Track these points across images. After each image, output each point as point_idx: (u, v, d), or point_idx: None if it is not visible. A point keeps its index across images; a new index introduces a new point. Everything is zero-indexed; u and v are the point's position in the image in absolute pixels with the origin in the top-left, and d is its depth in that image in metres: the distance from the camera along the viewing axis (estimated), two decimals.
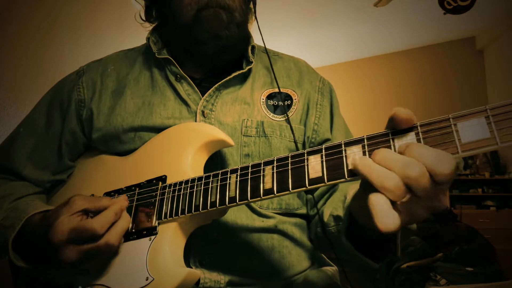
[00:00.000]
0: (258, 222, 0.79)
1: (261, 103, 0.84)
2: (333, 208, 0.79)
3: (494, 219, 4.12)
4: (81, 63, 0.96)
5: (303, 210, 0.87)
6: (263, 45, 0.95)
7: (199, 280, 0.73)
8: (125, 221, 0.65)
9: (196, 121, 0.80)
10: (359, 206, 0.53)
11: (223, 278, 0.75)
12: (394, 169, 0.43)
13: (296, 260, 0.82)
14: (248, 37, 0.89)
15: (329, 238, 0.80)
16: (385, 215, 0.43)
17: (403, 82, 5.38)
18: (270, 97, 0.85)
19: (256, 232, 0.79)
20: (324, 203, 0.85)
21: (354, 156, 0.49)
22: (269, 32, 4.29)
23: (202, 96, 0.81)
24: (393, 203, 0.44)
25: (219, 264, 0.76)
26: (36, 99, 0.94)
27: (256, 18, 0.90)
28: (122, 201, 0.66)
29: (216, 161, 0.79)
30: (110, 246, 0.62)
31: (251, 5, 0.88)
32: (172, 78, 0.84)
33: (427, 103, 5.09)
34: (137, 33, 0.92)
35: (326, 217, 0.79)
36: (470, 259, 2.46)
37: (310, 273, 0.85)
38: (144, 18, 0.93)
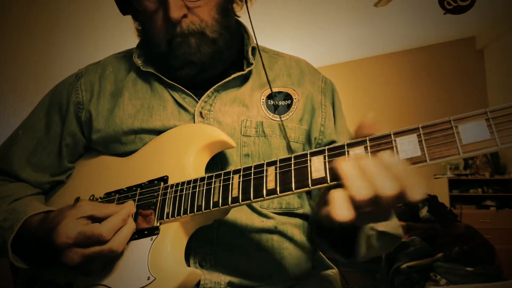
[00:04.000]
0: (258, 222, 0.79)
1: (261, 103, 0.84)
2: None
3: (494, 219, 4.11)
4: (80, 65, 0.96)
5: (303, 210, 0.87)
6: (262, 45, 0.94)
7: (199, 281, 0.73)
8: (131, 228, 0.65)
9: (194, 122, 0.80)
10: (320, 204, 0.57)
11: (223, 279, 0.75)
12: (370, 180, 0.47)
13: (296, 261, 0.82)
14: (235, 43, 0.87)
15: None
16: (341, 207, 0.48)
17: (403, 82, 5.37)
18: (270, 97, 0.85)
19: (256, 233, 0.79)
20: None
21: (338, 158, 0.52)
22: (270, 32, 4.29)
23: (199, 98, 0.81)
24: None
25: (219, 265, 0.76)
26: (35, 100, 0.94)
27: (249, 16, 0.88)
28: (129, 206, 0.67)
29: (216, 161, 0.79)
30: (114, 252, 0.62)
31: (232, 5, 0.86)
32: (165, 85, 0.84)
33: (427, 103, 5.09)
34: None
35: None
36: (470, 259, 2.46)
37: (311, 278, 0.85)
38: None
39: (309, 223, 0.86)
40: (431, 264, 2.50)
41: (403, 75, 5.39)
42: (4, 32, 3.90)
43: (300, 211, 0.86)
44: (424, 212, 3.25)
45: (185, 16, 0.75)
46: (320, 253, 0.94)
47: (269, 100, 0.84)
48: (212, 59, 0.80)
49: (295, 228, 0.83)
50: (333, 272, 0.91)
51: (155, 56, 0.84)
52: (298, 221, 0.85)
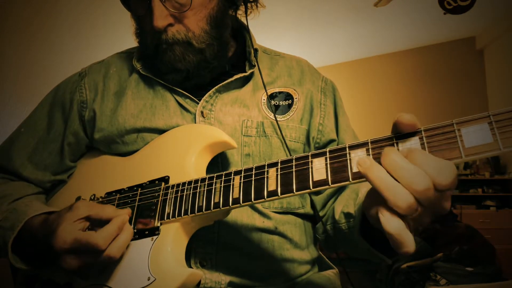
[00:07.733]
0: (259, 222, 0.79)
1: (262, 103, 0.84)
2: (344, 205, 0.79)
3: (494, 219, 4.12)
4: (82, 64, 0.96)
5: (303, 210, 0.87)
6: (263, 45, 0.95)
7: (199, 280, 0.73)
8: (128, 234, 0.65)
9: (196, 122, 0.80)
10: (370, 204, 0.50)
11: (224, 279, 0.75)
12: (402, 180, 0.43)
13: (297, 261, 0.82)
14: (226, 51, 0.86)
15: (338, 235, 0.80)
16: (407, 241, 0.43)
17: (403, 82, 5.37)
18: (271, 97, 0.85)
19: (257, 233, 0.79)
20: (334, 201, 0.85)
21: (361, 158, 0.46)
22: (270, 32, 4.29)
23: (199, 98, 0.81)
24: (403, 217, 0.44)
25: (220, 265, 0.76)
26: (36, 99, 0.95)
27: (246, 19, 0.89)
28: (124, 214, 0.66)
29: (217, 160, 0.79)
30: (112, 259, 0.62)
31: (232, 12, 0.88)
32: (165, 87, 0.84)
33: (427, 103, 5.09)
34: None
35: (337, 215, 0.79)
36: (470, 259, 2.46)
37: (311, 278, 0.85)
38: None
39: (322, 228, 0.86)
40: (431, 264, 2.50)
41: (403, 75, 5.39)
42: (3, 32, 3.90)
43: (301, 210, 0.86)
44: None
45: (170, 25, 0.76)
46: (321, 253, 0.94)
47: (270, 101, 0.84)
48: (198, 68, 0.80)
49: (295, 229, 0.84)
50: (333, 272, 0.91)
51: (148, 59, 0.84)
52: (298, 220, 0.85)
